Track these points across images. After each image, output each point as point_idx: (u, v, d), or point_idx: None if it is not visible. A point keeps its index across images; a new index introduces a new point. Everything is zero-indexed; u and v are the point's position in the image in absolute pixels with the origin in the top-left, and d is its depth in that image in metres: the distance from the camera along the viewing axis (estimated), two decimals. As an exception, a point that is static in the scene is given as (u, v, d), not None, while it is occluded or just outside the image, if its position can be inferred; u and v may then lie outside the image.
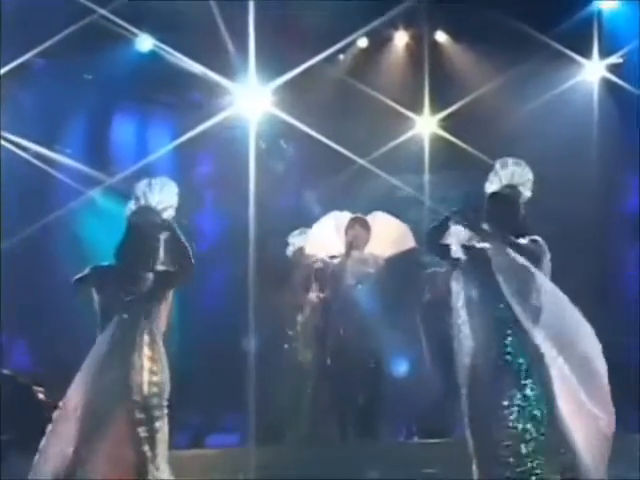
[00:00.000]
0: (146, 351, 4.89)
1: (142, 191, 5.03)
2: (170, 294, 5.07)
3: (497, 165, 5.27)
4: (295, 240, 7.99)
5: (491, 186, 5.26)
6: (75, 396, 4.78)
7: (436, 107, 9.60)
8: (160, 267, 5.02)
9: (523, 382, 4.91)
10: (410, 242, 7.84)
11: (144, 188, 5.03)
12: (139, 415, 4.81)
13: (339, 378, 7.64)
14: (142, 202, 5.03)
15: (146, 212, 5.01)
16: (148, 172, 7.03)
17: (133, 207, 5.07)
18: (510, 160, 5.26)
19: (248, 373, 7.51)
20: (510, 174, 5.22)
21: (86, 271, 4.99)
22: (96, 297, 4.98)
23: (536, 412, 4.86)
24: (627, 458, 5.54)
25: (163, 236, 5.01)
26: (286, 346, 7.77)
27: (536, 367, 4.92)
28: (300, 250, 7.92)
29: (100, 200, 8.80)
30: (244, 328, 7.78)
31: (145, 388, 4.85)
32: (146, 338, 4.90)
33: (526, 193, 5.23)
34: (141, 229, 4.99)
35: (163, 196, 5.04)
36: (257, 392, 7.39)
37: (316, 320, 7.79)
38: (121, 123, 9.96)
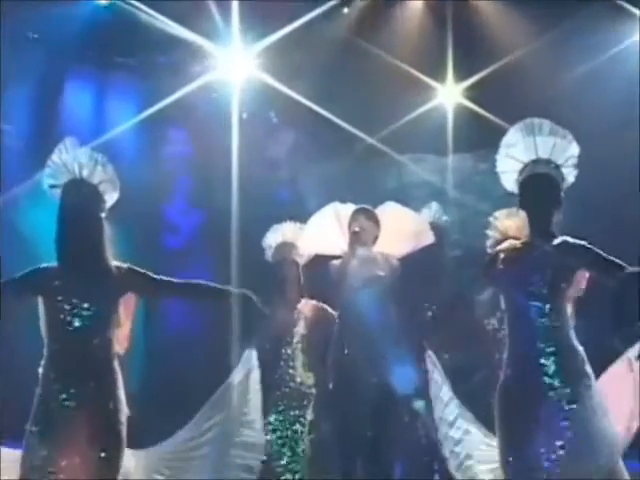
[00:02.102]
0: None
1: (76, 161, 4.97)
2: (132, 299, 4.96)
3: (529, 125, 4.51)
4: (270, 241, 7.42)
5: (515, 150, 4.50)
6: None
7: (461, 73, 9.35)
8: (118, 263, 4.85)
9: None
10: (428, 238, 7.31)
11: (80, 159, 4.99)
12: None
13: (344, 406, 7.06)
14: (77, 174, 4.94)
15: (80, 186, 4.91)
16: (108, 152, 6.88)
17: (64, 180, 4.95)
18: (547, 124, 4.51)
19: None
20: (551, 145, 4.48)
21: (27, 272, 4.80)
22: (40, 301, 4.79)
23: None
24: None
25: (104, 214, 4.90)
26: (281, 364, 7.25)
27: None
28: (283, 247, 7.35)
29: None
30: (227, 345, 7.22)
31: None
32: (99, 352, 4.74)
33: (569, 178, 4.55)
34: (80, 208, 4.85)
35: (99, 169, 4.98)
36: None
37: (315, 335, 7.29)
38: (75, 92, 9.45)
